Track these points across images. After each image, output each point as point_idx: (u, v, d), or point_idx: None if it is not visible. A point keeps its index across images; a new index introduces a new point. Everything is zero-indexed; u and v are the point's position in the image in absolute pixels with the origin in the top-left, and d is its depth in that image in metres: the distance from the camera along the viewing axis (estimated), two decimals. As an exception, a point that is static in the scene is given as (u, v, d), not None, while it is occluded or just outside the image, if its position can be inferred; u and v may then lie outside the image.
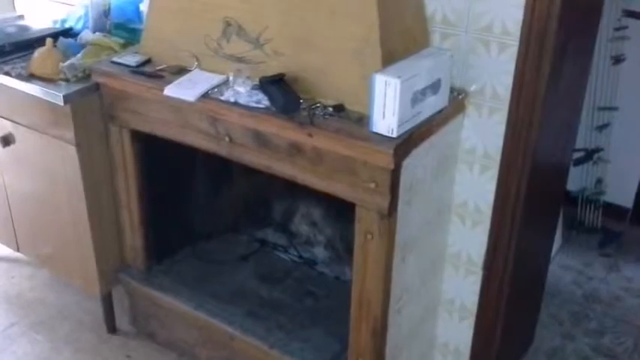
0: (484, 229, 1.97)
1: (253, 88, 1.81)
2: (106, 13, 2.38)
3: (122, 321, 2.52)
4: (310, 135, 1.67)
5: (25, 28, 2.54)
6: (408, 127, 1.62)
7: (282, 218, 2.50)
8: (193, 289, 2.27)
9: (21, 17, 2.70)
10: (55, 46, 2.19)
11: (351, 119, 1.67)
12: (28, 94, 2.12)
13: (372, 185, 1.63)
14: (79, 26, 2.44)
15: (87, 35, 2.31)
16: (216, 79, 1.88)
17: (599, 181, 3.15)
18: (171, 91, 1.87)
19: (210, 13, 1.88)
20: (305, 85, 1.77)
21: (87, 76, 2.11)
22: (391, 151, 1.55)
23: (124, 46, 2.25)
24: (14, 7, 2.79)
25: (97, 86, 2.09)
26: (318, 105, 1.71)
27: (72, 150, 2.13)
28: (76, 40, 2.32)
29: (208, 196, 2.48)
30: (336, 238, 2.37)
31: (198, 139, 1.94)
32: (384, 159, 1.58)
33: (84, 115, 2.10)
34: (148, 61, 2.04)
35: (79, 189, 2.18)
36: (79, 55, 2.17)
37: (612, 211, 3.20)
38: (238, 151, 1.86)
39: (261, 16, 1.80)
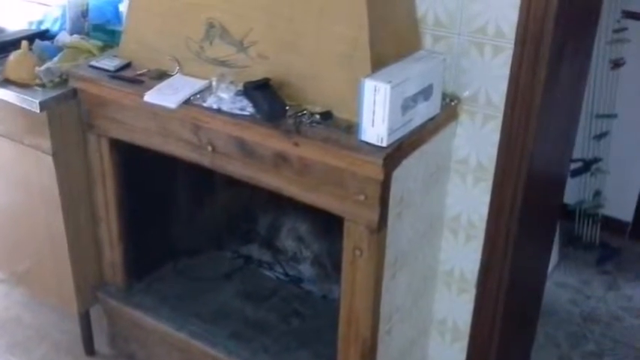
0: (478, 244, 1.93)
1: (237, 93, 1.76)
2: (84, 14, 2.34)
3: (100, 342, 2.46)
4: (296, 144, 1.63)
5: (-2, 30, 2.49)
6: (398, 135, 1.58)
7: (267, 233, 2.47)
8: (175, 309, 2.22)
9: (-6, 19, 2.64)
10: (30, 49, 2.14)
11: (339, 127, 1.64)
12: (2, 100, 2.07)
13: (361, 197, 1.59)
14: (55, 28, 2.39)
15: (64, 37, 2.26)
16: (198, 84, 1.84)
17: (597, 193, 3.08)
18: (151, 97, 1.82)
19: (193, 14, 1.84)
20: (291, 90, 1.73)
21: (64, 81, 2.06)
22: (381, 161, 1.52)
23: (103, 48, 2.21)
24: (-13, 8, 2.73)
25: (74, 92, 2.05)
26: (305, 112, 1.68)
27: (48, 160, 2.08)
28: (52, 42, 2.27)
29: (191, 210, 2.44)
30: (323, 254, 2.34)
31: (179, 149, 1.89)
32: (374, 169, 1.54)
33: (61, 122, 2.06)
34: (127, 66, 2.00)
35: (55, 201, 2.13)
36: (55, 59, 2.13)
37: (611, 225, 3.14)
38: (221, 161, 1.82)
39: (246, 17, 1.76)
